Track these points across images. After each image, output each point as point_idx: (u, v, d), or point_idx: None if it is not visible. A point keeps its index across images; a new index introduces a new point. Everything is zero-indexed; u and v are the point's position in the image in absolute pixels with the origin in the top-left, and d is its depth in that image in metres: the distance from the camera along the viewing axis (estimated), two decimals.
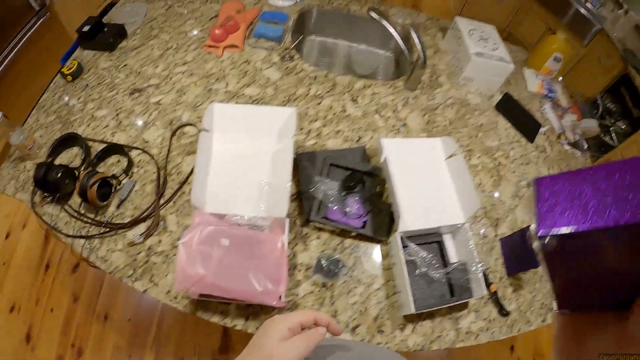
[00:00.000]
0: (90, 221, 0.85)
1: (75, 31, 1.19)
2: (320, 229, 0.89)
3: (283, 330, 0.43)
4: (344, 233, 0.89)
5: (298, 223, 0.89)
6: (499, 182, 1.10)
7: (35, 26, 1.91)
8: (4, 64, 1.76)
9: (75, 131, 1.00)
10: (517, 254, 0.92)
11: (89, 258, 0.81)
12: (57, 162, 0.95)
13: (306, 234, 0.88)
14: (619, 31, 2.54)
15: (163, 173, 0.93)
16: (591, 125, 2.09)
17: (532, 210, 0.28)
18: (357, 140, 1.08)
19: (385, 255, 0.89)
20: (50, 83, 1.13)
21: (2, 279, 1.66)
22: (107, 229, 0.84)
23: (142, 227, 0.86)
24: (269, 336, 0.43)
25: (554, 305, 0.32)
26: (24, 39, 1.85)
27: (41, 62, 1.96)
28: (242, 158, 0.87)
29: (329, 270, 0.81)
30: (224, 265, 0.69)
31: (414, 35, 1.10)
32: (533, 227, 0.27)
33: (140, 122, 1.04)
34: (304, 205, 0.88)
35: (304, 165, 0.94)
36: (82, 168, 0.92)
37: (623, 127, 2.49)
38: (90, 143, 0.98)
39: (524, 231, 0.91)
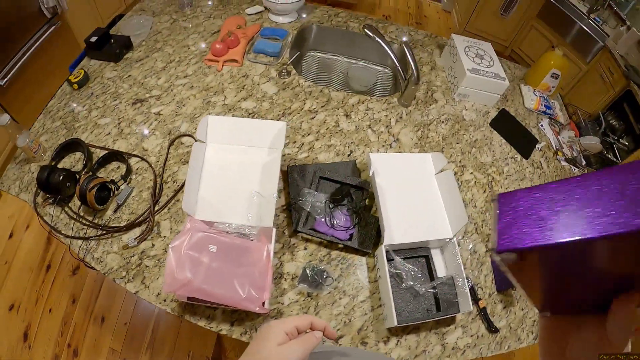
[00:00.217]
0: (88, 223, 0.90)
1: (83, 41, 1.26)
2: (307, 240, 0.92)
3: (280, 335, 0.45)
4: (331, 245, 0.93)
5: (287, 233, 0.93)
6: (492, 197, 1.12)
7: (47, 33, 1.99)
8: (15, 68, 1.84)
9: (78, 137, 1.06)
10: None
11: (85, 259, 0.86)
12: (60, 165, 1.00)
13: (294, 244, 0.91)
14: (621, 47, 2.56)
15: (159, 181, 0.99)
16: (593, 142, 2.09)
17: (493, 226, 0.29)
18: (349, 155, 1.12)
19: (371, 268, 0.91)
20: (57, 90, 1.20)
21: (4, 278, 1.72)
22: (104, 232, 0.89)
23: (137, 232, 0.90)
24: (267, 340, 0.44)
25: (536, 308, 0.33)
26: (35, 45, 1.93)
27: (51, 69, 2.05)
28: (233, 168, 0.92)
29: (313, 280, 0.84)
30: (211, 270, 0.73)
31: (407, 52, 1.15)
32: (493, 242, 0.28)
33: (140, 131, 1.10)
34: (293, 216, 0.93)
35: (295, 178, 0.99)
36: (83, 172, 0.97)
37: (626, 143, 2.49)
38: (92, 149, 1.04)
39: None
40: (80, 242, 0.88)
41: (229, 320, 0.80)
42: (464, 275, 0.86)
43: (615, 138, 2.52)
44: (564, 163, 1.31)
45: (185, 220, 0.80)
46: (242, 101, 1.21)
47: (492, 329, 0.88)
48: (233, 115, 1.16)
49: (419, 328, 0.86)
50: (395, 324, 0.78)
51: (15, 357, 1.53)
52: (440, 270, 0.93)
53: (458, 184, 1.11)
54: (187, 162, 1.03)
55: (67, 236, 0.89)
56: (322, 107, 1.24)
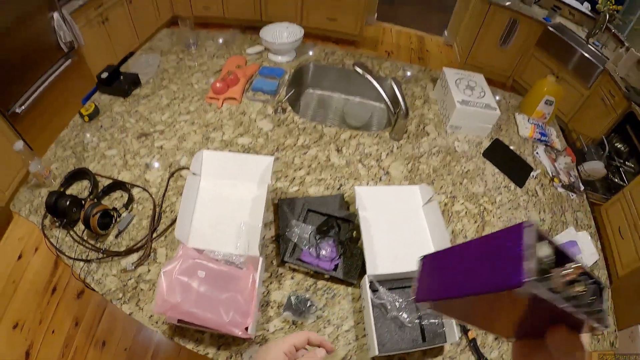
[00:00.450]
0: (90, 247, 0.99)
1: (96, 77, 1.39)
2: (295, 270, 0.99)
3: (280, 357, 0.46)
4: (317, 275, 0.99)
5: (275, 263, 0.99)
6: (483, 227, 1.16)
7: (63, 66, 2.17)
8: (32, 98, 2.00)
9: (86, 166, 1.16)
10: None
11: (86, 280, 0.94)
12: (68, 192, 1.10)
13: (281, 273, 0.98)
14: (621, 69, 2.60)
15: (158, 210, 1.07)
16: (597, 167, 2.10)
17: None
18: (338, 188, 1.19)
19: (357, 298, 0.96)
20: (70, 121, 1.32)
21: (10, 297, 1.82)
22: (105, 255, 0.98)
23: (134, 257, 0.98)
24: None
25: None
26: (52, 77, 2.10)
27: (65, 100, 2.22)
28: (224, 200, 1.01)
29: (297, 308, 0.90)
30: (199, 295, 0.80)
31: (395, 87, 1.24)
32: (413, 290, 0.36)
33: (143, 163, 1.20)
34: (280, 247, 1.00)
35: (284, 210, 1.06)
36: (89, 199, 1.07)
37: (632, 166, 2.49)
38: (98, 178, 1.14)
39: None
40: (82, 264, 0.97)
41: (216, 344, 0.86)
42: None
43: (621, 161, 2.53)
44: (560, 190, 1.33)
45: (178, 247, 0.88)
46: (239, 137, 1.31)
47: None
48: (230, 150, 1.26)
49: (405, 359, 0.88)
50: (377, 353, 0.81)
51: None
52: None
53: (448, 215, 1.17)
54: None
55: (70, 258, 0.97)
56: (314, 142, 1.33)
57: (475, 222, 1.17)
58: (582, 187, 1.38)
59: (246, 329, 0.78)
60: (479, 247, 0.33)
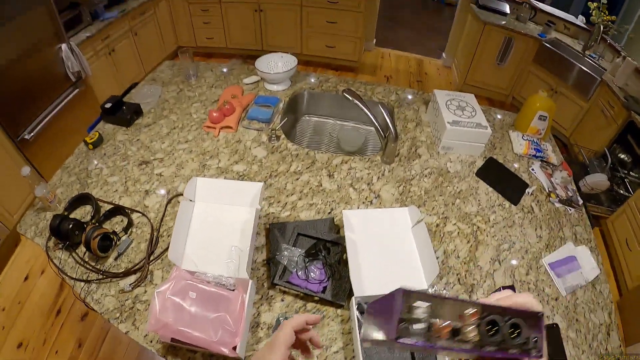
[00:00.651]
0: (91, 268, 1.06)
1: (100, 107, 1.49)
2: (285, 292, 1.04)
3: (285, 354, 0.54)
4: (307, 297, 1.03)
5: (265, 285, 1.05)
6: (476, 247, 1.18)
7: (70, 96, 2.31)
8: (41, 125, 2.13)
9: (89, 192, 1.25)
10: None
11: (86, 299, 1.01)
12: (72, 216, 1.18)
13: (272, 296, 1.03)
14: (619, 78, 2.63)
15: (156, 234, 1.15)
16: (600, 179, 2.09)
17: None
18: (329, 212, 1.25)
19: (346, 320, 1.00)
20: (75, 149, 1.43)
21: (15, 317, 1.91)
22: (104, 277, 1.05)
23: (132, 278, 1.05)
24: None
25: None
26: (60, 105, 2.24)
27: (72, 128, 2.35)
28: (216, 224, 1.08)
29: None
30: (190, 315, 0.86)
31: (383, 112, 1.30)
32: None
33: (143, 190, 1.29)
34: (271, 269, 1.06)
35: (275, 234, 1.13)
36: (90, 223, 1.14)
37: (637, 176, 2.49)
38: (100, 203, 1.23)
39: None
40: (83, 284, 1.04)
41: None
42: None
43: (626, 172, 2.52)
44: (558, 205, 1.34)
45: (172, 269, 0.95)
46: (234, 164, 1.40)
47: None
48: (225, 177, 1.34)
49: None
50: None
51: None
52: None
53: (440, 235, 1.20)
54: None
55: (72, 278, 1.05)
56: (306, 168, 1.40)
57: (468, 242, 1.20)
58: (581, 201, 1.37)
59: (234, 348, 0.84)
60: (383, 303, 0.40)
